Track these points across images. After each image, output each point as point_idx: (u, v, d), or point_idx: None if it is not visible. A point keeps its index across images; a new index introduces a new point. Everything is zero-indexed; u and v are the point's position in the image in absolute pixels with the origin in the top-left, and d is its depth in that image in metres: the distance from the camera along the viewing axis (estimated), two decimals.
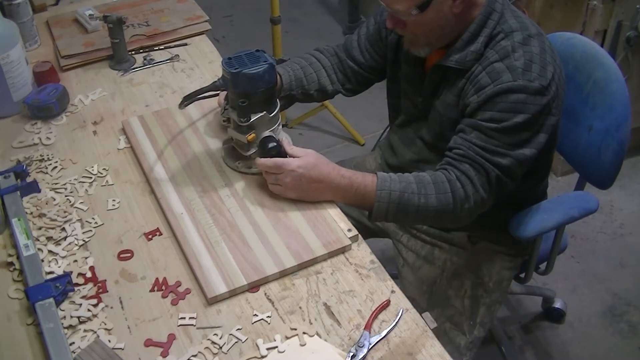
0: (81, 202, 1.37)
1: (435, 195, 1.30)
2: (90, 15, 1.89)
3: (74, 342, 1.09)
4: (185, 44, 1.88)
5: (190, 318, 1.14)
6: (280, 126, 1.41)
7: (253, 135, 1.34)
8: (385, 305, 1.16)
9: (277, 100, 1.39)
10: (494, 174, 1.30)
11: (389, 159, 1.65)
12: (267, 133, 1.36)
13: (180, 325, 1.13)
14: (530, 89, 1.26)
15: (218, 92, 1.42)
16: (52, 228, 1.30)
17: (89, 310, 1.15)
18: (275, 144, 1.33)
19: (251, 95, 1.30)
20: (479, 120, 1.29)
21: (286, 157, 1.32)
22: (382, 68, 1.59)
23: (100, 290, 1.19)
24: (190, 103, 1.36)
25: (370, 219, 1.34)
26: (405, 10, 1.28)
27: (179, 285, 1.19)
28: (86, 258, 1.25)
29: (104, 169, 1.45)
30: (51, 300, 1.13)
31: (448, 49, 1.36)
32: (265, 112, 1.34)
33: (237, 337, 1.11)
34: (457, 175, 1.31)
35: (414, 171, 1.36)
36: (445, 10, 1.28)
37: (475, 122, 1.30)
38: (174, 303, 1.16)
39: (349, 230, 1.28)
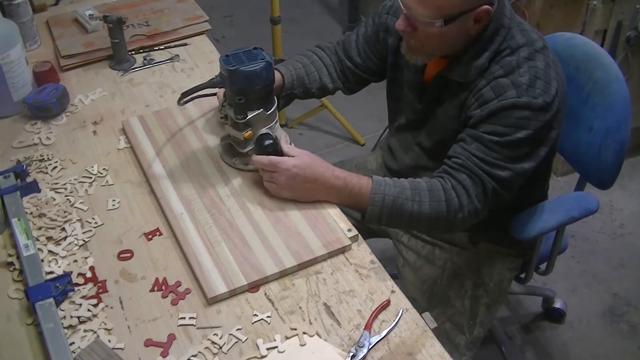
0: (81, 202, 1.37)
1: (429, 203, 1.30)
2: (90, 15, 1.89)
3: (74, 342, 1.09)
4: (185, 44, 1.88)
5: (190, 318, 1.14)
6: (278, 124, 1.41)
7: (250, 132, 1.34)
8: (385, 305, 1.16)
9: (275, 97, 1.39)
10: (491, 186, 1.29)
11: (388, 162, 1.65)
12: (264, 130, 1.36)
13: (180, 325, 1.13)
14: (534, 106, 1.25)
15: (216, 89, 1.42)
16: (52, 228, 1.30)
17: (89, 310, 1.15)
18: (271, 141, 1.33)
19: (248, 92, 1.30)
20: (481, 132, 1.28)
21: (282, 155, 1.32)
22: (380, 70, 1.59)
23: (100, 290, 1.19)
24: (189, 100, 1.36)
25: (364, 221, 1.34)
26: (430, 18, 1.23)
27: (179, 285, 1.19)
28: (86, 258, 1.24)
29: (104, 169, 1.45)
30: (51, 300, 1.13)
31: (451, 60, 1.35)
32: (262, 109, 1.34)
33: (237, 337, 1.11)
34: (453, 184, 1.30)
35: (412, 177, 1.35)
36: (464, 29, 1.26)
37: (477, 133, 1.29)
38: (174, 303, 1.16)
39: (349, 230, 1.28)
